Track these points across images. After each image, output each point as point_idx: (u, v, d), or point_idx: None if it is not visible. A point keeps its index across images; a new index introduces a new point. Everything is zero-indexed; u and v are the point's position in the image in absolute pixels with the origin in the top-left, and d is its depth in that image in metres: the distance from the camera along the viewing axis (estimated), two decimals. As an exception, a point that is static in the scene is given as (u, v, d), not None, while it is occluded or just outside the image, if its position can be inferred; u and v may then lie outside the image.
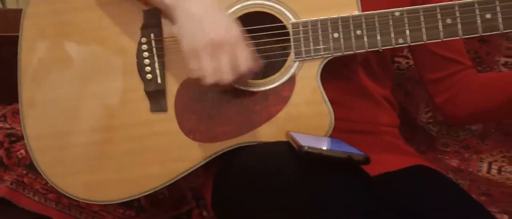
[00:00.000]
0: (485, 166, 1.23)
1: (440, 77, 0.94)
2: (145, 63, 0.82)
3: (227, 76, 0.71)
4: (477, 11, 0.75)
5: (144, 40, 0.82)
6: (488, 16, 0.75)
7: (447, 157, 1.27)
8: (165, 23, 0.82)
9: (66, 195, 0.85)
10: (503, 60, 1.24)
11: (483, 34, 0.76)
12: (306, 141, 0.62)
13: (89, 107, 0.84)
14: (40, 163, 0.85)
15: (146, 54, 0.82)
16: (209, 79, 0.71)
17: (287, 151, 0.71)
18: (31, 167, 1.10)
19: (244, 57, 0.71)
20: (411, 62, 1.29)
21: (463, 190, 0.78)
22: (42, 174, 0.86)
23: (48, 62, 0.85)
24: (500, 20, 0.74)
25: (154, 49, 0.82)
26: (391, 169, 0.84)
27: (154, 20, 0.82)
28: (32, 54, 0.86)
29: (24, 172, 1.12)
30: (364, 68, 0.91)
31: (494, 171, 1.21)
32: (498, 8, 0.74)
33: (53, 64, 0.85)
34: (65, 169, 0.85)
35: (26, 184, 1.10)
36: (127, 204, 1.05)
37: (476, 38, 1.23)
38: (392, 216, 0.65)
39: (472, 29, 0.75)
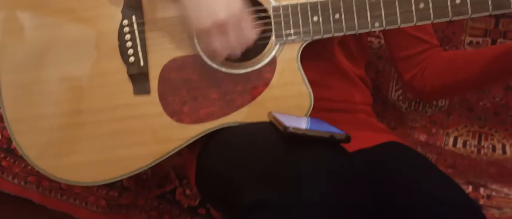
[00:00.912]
0: (451, 140, 1.30)
1: (409, 55, 0.99)
2: (127, 45, 0.83)
3: (237, 50, 0.76)
4: (448, -4, 0.79)
5: (125, 22, 0.82)
6: (458, 1, 0.79)
7: (415, 132, 1.33)
8: (146, 5, 0.83)
9: (50, 177, 0.86)
10: (468, 39, 1.29)
11: (453, 18, 0.80)
12: (289, 122, 0.65)
13: (70, 89, 0.84)
14: (22, 146, 0.85)
15: (128, 36, 0.83)
16: (221, 54, 0.77)
17: (269, 131, 0.74)
18: (9, 151, 1.09)
19: (248, 28, 0.76)
20: (383, 41, 1.34)
21: (432, 164, 0.83)
22: (25, 157, 0.86)
23: (26, 44, 0.84)
24: (468, 5, 0.79)
25: (136, 31, 0.82)
26: (365, 145, 0.88)
27: (135, 2, 0.82)
28: (8, 36, 0.85)
29: (2, 155, 1.11)
30: (341, 48, 0.94)
31: (459, 145, 1.28)
32: (467, -7, 0.78)
33: (31, 46, 0.84)
34: (47, 151, 0.85)
35: (4, 168, 1.09)
36: (110, 185, 1.06)
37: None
38: (369, 186, 0.69)
39: (443, 13, 0.79)
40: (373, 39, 1.34)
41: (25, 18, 0.84)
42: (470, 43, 1.29)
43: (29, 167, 0.98)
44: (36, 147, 0.85)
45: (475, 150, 1.26)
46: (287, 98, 0.81)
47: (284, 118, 0.68)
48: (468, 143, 1.29)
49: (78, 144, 0.85)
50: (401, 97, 1.36)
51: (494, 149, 1.26)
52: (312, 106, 0.80)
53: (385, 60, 1.36)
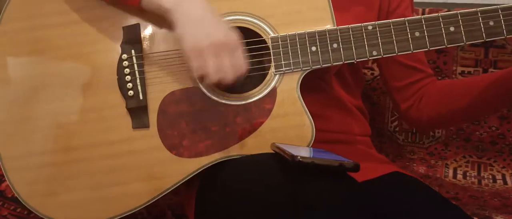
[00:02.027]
0: (450, 172, 1.29)
1: (405, 85, 0.99)
2: (126, 79, 0.82)
3: (229, 75, 0.74)
4: (442, 25, 0.80)
5: (125, 56, 0.82)
6: (452, 29, 0.80)
7: (414, 164, 1.33)
8: (145, 39, 0.83)
9: (41, 216, 0.82)
10: (459, 69, 1.31)
11: (448, 46, 0.81)
12: (295, 152, 0.64)
13: (65, 125, 0.82)
14: (14, 183, 0.83)
15: (127, 70, 0.82)
16: (213, 76, 0.74)
17: (273, 162, 0.73)
18: (-2, 193, 1.06)
19: (242, 58, 0.75)
20: (376, 73, 1.35)
21: (439, 194, 0.81)
22: (16, 195, 0.83)
23: (21, 80, 0.83)
24: (462, 33, 0.80)
25: (135, 65, 0.82)
26: (369, 177, 0.87)
27: (134, 36, 0.82)
28: (4, 71, 0.84)
29: (-10, 198, 1.08)
30: (338, 79, 0.94)
31: (459, 176, 1.27)
32: (460, 22, 0.80)
33: (25, 82, 0.83)
34: (41, 190, 0.83)
35: (-7, 211, 1.05)
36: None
37: (434, 50, 1.31)
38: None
39: (438, 41, 0.80)
40: (366, 70, 1.35)
41: (21, 53, 0.83)
42: (462, 73, 1.31)
43: (18, 210, 0.95)
44: (28, 184, 0.83)
45: (476, 181, 1.25)
46: (288, 129, 0.81)
47: (289, 149, 0.67)
48: (468, 174, 1.28)
49: (72, 182, 0.82)
50: (397, 129, 1.36)
51: (495, 179, 1.25)
52: (314, 136, 0.79)
53: (380, 92, 1.37)
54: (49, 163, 0.82)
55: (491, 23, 0.79)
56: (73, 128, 0.82)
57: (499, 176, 1.26)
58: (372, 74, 1.36)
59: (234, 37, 0.75)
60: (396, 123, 1.36)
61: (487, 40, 0.79)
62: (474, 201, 1.09)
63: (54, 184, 0.82)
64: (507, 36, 0.78)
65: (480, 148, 1.30)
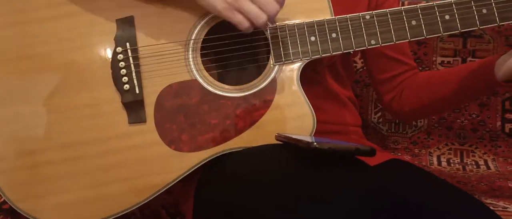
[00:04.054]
0: (435, 160, 1.32)
1: (389, 77, 1.01)
2: (121, 73, 0.79)
3: (273, 9, 0.74)
4: (437, 13, 0.81)
5: (119, 49, 0.79)
6: (447, 17, 0.82)
7: (399, 153, 1.35)
8: (139, 32, 0.80)
9: (33, 220, 0.79)
10: (439, 59, 1.34)
11: (444, 33, 0.82)
12: (305, 140, 0.64)
13: (58, 122, 0.79)
14: (3, 187, 0.78)
15: (122, 64, 0.79)
16: (260, 19, 0.74)
17: (278, 153, 0.72)
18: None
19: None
20: (358, 66, 1.36)
21: (442, 180, 0.83)
22: (6, 199, 0.79)
23: (10, 77, 0.79)
24: (457, 20, 0.81)
25: (130, 58, 0.79)
26: (372, 163, 0.87)
27: (128, 29, 0.79)
28: None
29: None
30: (330, 71, 0.95)
31: (444, 163, 1.30)
32: (454, 10, 0.81)
33: (16, 78, 0.79)
34: (32, 192, 0.79)
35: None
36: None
37: (415, 41, 1.33)
38: (392, 204, 0.67)
39: (434, 29, 0.81)
40: (349, 64, 1.36)
41: (10, 49, 0.79)
42: (442, 63, 1.34)
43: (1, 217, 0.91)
44: (18, 187, 0.79)
45: (461, 167, 1.28)
46: (289, 119, 0.80)
47: (296, 138, 0.66)
48: (451, 161, 1.31)
49: (66, 182, 0.79)
50: (381, 120, 1.38)
51: (478, 165, 1.29)
52: (315, 125, 0.79)
53: (363, 84, 1.39)
54: (41, 163, 0.78)
55: (484, 10, 0.80)
56: (67, 125, 0.78)
57: (481, 162, 1.30)
58: (355, 67, 1.37)
59: None
60: (379, 114, 1.38)
61: (481, 27, 0.81)
62: (463, 187, 1.12)
63: (47, 184, 0.78)
64: (500, 23, 0.80)
65: (461, 135, 1.34)
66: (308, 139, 0.67)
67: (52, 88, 0.79)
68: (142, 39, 0.80)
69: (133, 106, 0.79)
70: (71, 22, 0.79)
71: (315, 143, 0.58)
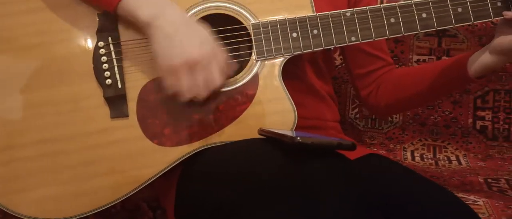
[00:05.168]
0: (409, 155, 1.36)
1: (366, 72, 1.04)
2: (104, 67, 0.79)
3: (203, 92, 0.75)
4: (415, 11, 0.84)
5: (101, 44, 0.79)
6: (424, 15, 0.84)
7: (374, 148, 1.38)
8: (121, 26, 0.80)
9: (16, 216, 0.78)
10: (415, 57, 1.38)
11: (421, 31, 0.85)
12: (287, 134, 0.65)
13: (37, 117, 0.78)
14: None
15: (104, 58, 0.79)
16: (186, 95, 0.75)
17: (260, 147, 0.73)
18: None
19: (218, 72, 0.75)
20: (337, 62, 1.38)
21: (415, 172, 0.85)
22: (-15, 195, 0.77)
23: (-12, 71, 0.78)
24: (434, 18, 0.84)
25: (113, 53, 0.79)
26: (352, 157, 0.89)
27: (110, 24, 0.79)
28: None
29: None
30: (311, 66, 0.96)
31: (417, 158, 1.34)
32: (431, 9, 0.84)
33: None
34: (11, 186, 0.78)
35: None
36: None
37: (392, 39, 1.37)
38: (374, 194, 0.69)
39: (412, 27, 0.84)
40: (328, 60, 1.38)
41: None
42: (417, 61, 1.37)
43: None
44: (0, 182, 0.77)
45: (433, 162, 1.32)
46: (271, 114, 0.81)
47: (280, 132, 0.67)
48: (424, 156, 1.35)
49: (46, 176, 0.78)
50: (358, 116, 1.41)
51: (450, 160, 1.33)
52: (296, 120, 0.80)
53: (341, 81, 1.41)
54: (20, 158, 0.77)
55: (460, 9, 0.83)
56: (47, 119, 0.78)
57: (453, 157, 1.34)
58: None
59: (210, 47, 0.74)
60: (356, 110, 1.40)
61: (456, 25, 0.83)
62: (436, 181, 1.15)
63: (27, 179, 0.77)
64: (475, 22, 0.83)
65: (434, 131, 1.38)
66: (290, 133, 0.68)
67: (32, 82, 0.78)
68: (125, 34, 0.79)
69: (116, 101, 0.79)
70: (50, 15, 0.78)
71: (298, 138, 0.59)
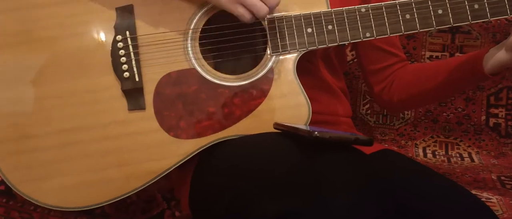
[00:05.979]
0: (421, 151, 1.36)
1: (380, 68, 1.04)
2: (121, 61, 0.80)
3: (273, 2, 0.77)
4: (431, 8, 0.84)
5: (119, 37, 0.80)
6: (440, 11, 0.84)
7: (386, 145, 1.38)
8: (139, 20, 0.81)
9: (36, 203, 0.80)
10: (428, 54, 1.37)
11: (436, 27, 0.85)
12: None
13: (58, 107, 0.80)
14: (4, 170, 0.79)
15: (122, 52, 0.80)
16: (261, 11, 0.77)
17: (274, 141, 0.74)
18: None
19: None
20: (349, 58, 1.39)
21: (430, 168, 0.86)
22: (7, 182, 0.79)
23: (9, 63, 0.80)
24: (450, 15, 0.84)
25: (130, 46, 0.80)
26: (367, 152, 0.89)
27: (128, 17, 0.80)
28: None
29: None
30: (324, 62, 0.97)
31: (429, 155, 1.34)
32: (447, 5, 0.84)
33: (16, 63, 0.80)
34: (33, 175, 0.79)
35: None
36: (89, 212, 1.00)
37: (404, 36, 1.36)
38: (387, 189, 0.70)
39: (428, 23, 0.84)
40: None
41: (11, 34, 0.79)
42: (430, 57, 1.37)
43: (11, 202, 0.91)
44: (19, 170, 0.79)
45: (446, 159, 1.32)
46: (285, 109, 0.82)
47: (296, 126, 0.68)
48: (436, 153, 1.35)
49: (65, 165, 0.80)
50: (369, 112, 1.41)
51: (462, 157, 1.33)
52: (311, 115, 0.81)
53: (352, 76, 1.41)
54: (42, 147, 0.79)
55: (476, 6, 0.83)
56: (67, 110, 0.79)
57: (466, 154, 1.34)
58: (345, 59, 1.39)
59: None
60: (367, 106, 1.41)
61: (472, 22, 0.83)
62: (448, 178, 1.15)
63: (47, 168, 0.79)
64: (491, 19, 0.83)
65: (447, 128, 1.37)
66: (305, 128, 0.69)
67: (52, 74, 0.80)
68: (142, 28, 0.81)
69: (133, 93, 0.80)
70: (71, 9, 0.80)
71: (316, 132, 0.60)
